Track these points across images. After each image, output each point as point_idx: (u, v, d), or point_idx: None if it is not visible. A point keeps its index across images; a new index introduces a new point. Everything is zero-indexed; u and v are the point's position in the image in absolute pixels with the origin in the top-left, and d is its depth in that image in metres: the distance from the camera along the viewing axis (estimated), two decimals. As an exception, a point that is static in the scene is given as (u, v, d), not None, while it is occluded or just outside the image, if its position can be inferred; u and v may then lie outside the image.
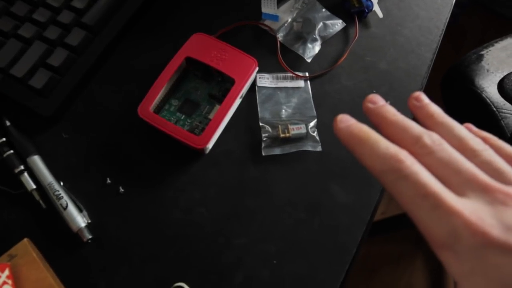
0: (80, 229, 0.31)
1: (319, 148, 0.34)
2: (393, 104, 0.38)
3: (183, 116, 0.35)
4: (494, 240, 0.17)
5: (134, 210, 0.33)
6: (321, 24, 0.39)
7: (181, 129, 0.33)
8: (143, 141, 0.35)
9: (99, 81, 0.37)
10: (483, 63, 0.60)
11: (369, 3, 0.39)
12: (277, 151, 0.34)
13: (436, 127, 0.20)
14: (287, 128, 0.34)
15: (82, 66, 0.35)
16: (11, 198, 0.33)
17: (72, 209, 0.32)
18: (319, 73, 0.38)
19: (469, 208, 0.18)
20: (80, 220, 0.32)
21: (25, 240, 0.30)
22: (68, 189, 0.33)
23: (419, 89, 0.39)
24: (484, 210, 0.18)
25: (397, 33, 0.41)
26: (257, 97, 0.36)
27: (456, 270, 0.18)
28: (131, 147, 0.35)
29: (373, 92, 0.38)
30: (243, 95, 0.36)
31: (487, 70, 0.59)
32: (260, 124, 0.35)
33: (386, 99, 0.40)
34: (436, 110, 0.21)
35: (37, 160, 0.33)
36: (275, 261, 0.31)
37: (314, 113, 0.36)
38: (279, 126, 0.34)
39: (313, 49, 0.38)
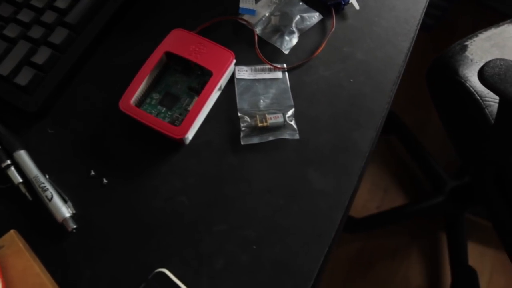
0: (65, 219, 0.32)
1: (296, 136, 0.35)
2: (370, 91, 0.39)
3: (164, 109, 0.36)
4: None
5: (117, 200, 0.34)
6: (298, 17, 0.40)
7: (161, 120, 0.34)
8: (126, 134, 0.36)
9: (82, 77, 0.38)
10: (467, 53, 0.60)
11: (345, -5, 0.40)
12: (255, 140, 0.35)
13: None
14: (265, 118, 0.35)
15: (65, 63, 0.36)
16: (-1, 192, 0.34)
17: (57, 200, 0.33)
18: (296, 64, 0.39)
19: None
20: (64, 210, 0.33)
21: (12, 231, 0.31)
22: (53, 181, 0.34)
23: (397, 77, 0.40)
24: None
25: (374, 24, 0.42)
26: (236, 88, 0.37)
27: None
28: (114, 140, 0.36)
29: (350, 82, 0.39)
30: (222, 87, 0.37)
31: (471, 60, 0.60)
32: (239, 114, 0.36)
33: (364, 88, 0.41)
34: None
35: (23, 155, 0.34)
36: (254, 247, 0.32)
37: (292, 102, 0.37)
38: (257, 115, 0.35)
39: (291, 41, 0.39)
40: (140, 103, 0.36)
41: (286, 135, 0.35)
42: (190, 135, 0.34)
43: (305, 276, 0.31)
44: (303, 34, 0.40)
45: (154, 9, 0.42)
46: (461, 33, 0.66)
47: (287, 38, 0.39)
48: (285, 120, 0.35)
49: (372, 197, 1.01)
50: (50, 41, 0.36)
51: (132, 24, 0.41)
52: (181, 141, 0.34)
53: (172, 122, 0.35)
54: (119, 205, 0.34)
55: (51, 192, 0.33)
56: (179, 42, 0.36)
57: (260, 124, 0.35)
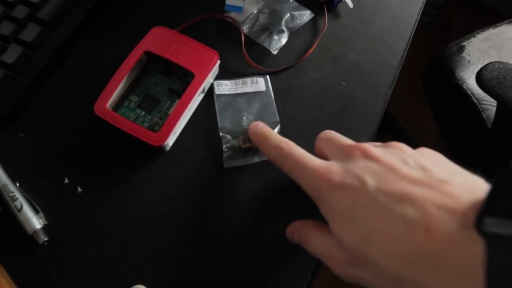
0: (35, 231, 0.30)
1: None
2: (363, 95, 0.37)
3: (143, 112, 0.34)
4: (335, 183, 0.24)
5: (92, 210, 0.32)
6: (288, 15, 0.37)
7: (138, 126, 0.31)
8: (102, 139, 0.34)
9: (57, 78, 0.36)
10: (464, 54, 0.59)
11: (338, -8, 0.38)
12: (239, 162, 0.32)
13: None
14: (249, 138, 0.32)
15: (37, 62, 0.34)
16: (-36, 201, 0.31)
17: (27, 210, 0.31)
18: (286, 66, 0.37)
19: (326, 166, 0.25)
20: (35, 221, 0.30)
21: (-23, 244, 0.29)
22: (24, 190, 0.32)
23: (391, 80, 0.38)
24: (338, 165, 0.25)
25: (368, 23, 0.40)
26: (216, 105, 0.34)
27: (322, 211, 0.25)
28: (90, 146, 0.33)
29: (343, 84, 0.37)
30: (206, 90, 0.35)
31: (468, 61, 0.58)
32: (220, 134, 0.33)
33: (357, 91, 0.39)
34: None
35: (-9, 161, 0.32)
36: (238, 262, 0.30)
37: (277, 118, 0.34)
38: (240, 136, 0.33)
39: (280, 41, 0.37)
40: (117, 106, 0.34)
41: None
42: (170, 141, 0.32)
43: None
44: (293, 33, 0.38)
45: (134, 6, 0.39)
46: (458, 31, 0.64)
47: (276, 37, 0.37)
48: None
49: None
50: (21, 39, 0.34)
51: (111, 22, 0.38)
52: (161, 147, 0.32)
53: (152, 127, 0.33)
54: (95, 216, 0.31)
55: (21, 202, 0.31)
56: (160, 41, 0.33)
57: (243, 145, 0.32)
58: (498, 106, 0.48)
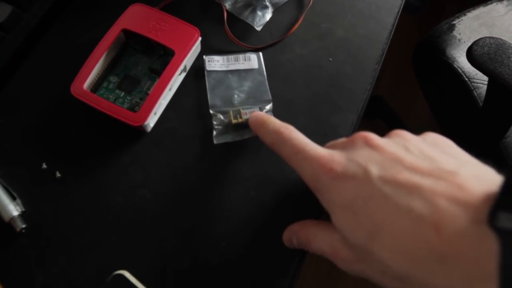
0: (12, 219, 0.29)
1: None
2: (351, 71, 0.36)
3: (123, 93, 0.32)
4: (338, 172, 0.23)
5: (72, 195, 0.30)
6: (271, -10, 0.36)
7: (117, 106, 0.30)
8: (80, 122, 0.32)
9: (33, 60, 0.34)
10: (454, 32, 0.58)
11: (322, -34, 0.37)
12: (228, 138, 0.31)
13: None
14: (239, 113, 0.31)
15: (10, 44, 0.32)
16: None
17: (3, 197, 0.29)
18: (270, 43, 0.35)
19: (328, 155, 0.24)
20: (12, 208, 0.29)
21: (-49, 233, 0.28)
22: (0, 176, 0.30)
23: (380, 56, 0.37)
24: (340, 154, 0.24)
25: (355, -2, 0.39)
26: (207, 82, 0.33)
27: (323, 204, 0.24)
28: (68, 130, 0.32)
29: (329, 61, 0.36)
30: (187, 69, 0.33)
31: (459, 40, 0.57)
32: (211, 112, 0.32)
33: (344, 68, 0.38)
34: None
35: (-36, 147, 0.31)
36: (224, 244, 0.29)
37: (269, 96, 0.33)
38: (231, 111, 0.32)
39: (264, 17, 0.36)
40: (96, 87, 0.32)
41: None
42: (151, 122, 0.31)
43: (280, 273, 0.29)
44: (277, 9, 0.37)
45: (113, -16, 0.38)
46: (449, 16, 0.63)
47: (259, 13, 0.35)
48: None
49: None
50: (-9, 19, 0.32)
51: (88, 1, 0.37)
52: (142, 128, 0.30)
53: (132, 108, 0.32)
54: (74, 201, 0.30)
55: (-4, 189, 0.30)
56: (138, 18, 0.32)
57: (234, 121, 0.31)
58: (489, 82, 0.47)
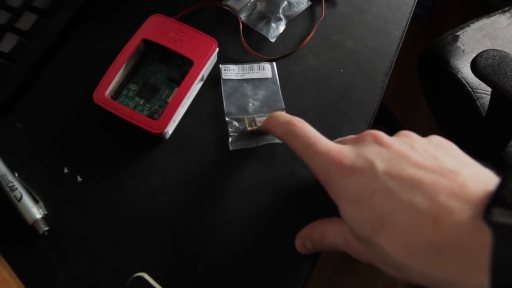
0: (35, 221, 0.30)
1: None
2: (361, 82, 0.37)
3: (142, 101, 0.33)
4: (346, 166, 0.24)
5: (92, 199, 0.31)
6: (285, 2, 0.37)
7: (138, 114, 0.31)
8: (101, 128, 0.33)
9: (54, 67, 0.35)
10: (458, 43, 0.59)
11: (334, -20, 0.38)
12: (244, 144, 0.33)
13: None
14: (254, 121, 0.33)
15: (34, 51, 0.34)
16: (-38, 192, 0.31)
17: (27, 200, 0.31)
18: (284, 54, 0.37)
19: (337, 149, 0.25)
20: (35, 211, 0.30)
21: (-23, 234, 0.29)
22: (23, 180, 0.32)
23: (388, 68, 0.38)
24: (349, 149, 0.25)
25: (365, 11, 0.40)
26: (223, 90, 0.34)
27: (332, 196, 0.25)
28: (89, 135, 0.33)
29: (340, 72, 0.37)
30: (204, 78, 0.35)
31: (463, 51, 0.59)
32: (227, 119, 0.33)
33: (354, 79, 0.39)
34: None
35: (-11, 151, 0.32)
36: (239, 248, 0.30)
37: (283, 105, 0.34)
38: (246, 119, 0.33)
39: (277, 28, 0.37)
40: (116, 94, 0.33)
41: (277, 140, 0.33)
42: (170, 129, 0.32)
43: (293, 276, 0.30)
44: (290, 21, 0.38)
45: (132, -6, 0.39)
46: (452, 24, 0.65)
47: (273, 25, 0.37)
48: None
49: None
50: (17, 27, 0.33)
51: (108, 10, 0.38)
52: (161, 135, 0.32)
53: (151, 115, 0.33)
54: (95, 205, 0.31)
55: (20, 192, 0.31)
56: (158, 29, 0.33)
57: (249, 128, 0.32)
58: (492, 94, 0.49)
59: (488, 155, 0.56)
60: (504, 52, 0.46)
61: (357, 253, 0.25)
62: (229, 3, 0.38)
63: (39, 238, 0.30)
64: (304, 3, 0.38)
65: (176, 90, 0.32)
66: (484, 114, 0.54)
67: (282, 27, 0.37)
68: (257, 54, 0.36)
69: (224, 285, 0.29)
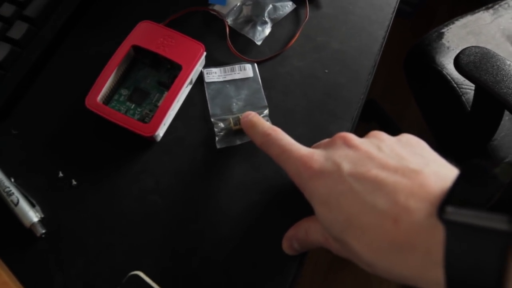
0: (33, 224, 0.31)
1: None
2: (346, 81, 0.38)
3: (133, 105, 0.34)
4: (316, 170, 0.25)
5: (87, 202, 0.32)
6: (270, 6, 0.39)
7: (129, 118, 0.32)
8: (94, 132, 0.34)
9: (47, 74, 0.36)
10: (443, 40, 0.61)
11: (318, -17, 0.39)
12: (230, 142, 0.34)
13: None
14: (239, 120, 0.34)
15: (27, 60, 0.34)
16: (-40, 198, 0.32)
17: (23, 204, 0.31)
18: (270, 56, 0.38)
19: (308, 154, 0.26)
20: (32, 215, 0.31)
21: (-24, 238, 0.30)
22: (19, 185, 0.33)
23: (372, 66, 0.39)
24: (320, 153, 0.26)
25: (349, 12, 0.41)
26: (206, 93, 0.35)
27: (307, 198, 0.26)
28: (82, 140, 0.34)
29: (325, 72, 0.38)
30: (193, 81, 0.36)
31: (448, 48, 0.60)
32: (212, 120, 0.34)
33: (339, 78, 0.40)
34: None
35: (-15, 158, 0.33)
36: (230, 245, 0.32)
37: (265, 102, 0.36)
38: (230, 119, 0.34)
39: (263, 31, 0.38)
40: (108, 99, 0.34)
41: None
42: (161, 132, 0.33)
43: (283, 272, 0.31)
44: (276, 24, 0.39)
45: (121, 1, 0.40)
46: (440, 20, 0.66)
47: (259, 28, 0.38)
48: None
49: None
50: (9, 36, 0.34)
51: (98, 17, 0.39)
52: (152, 138, 0.33)
53: (142, 119, 0.34)
54: (90, 207, 0.32)
55: (17, 196, 0.32)
56: (147, 34, 0.34)
57: (235, 127, 0.34)
58: (475, 89, 0.50)
59: (473, 149, 0.57)
60: (486, 49, 0.48)
61: (335, 250, 0.26)
62: (215, 7, 0.39)
63: (37, 240, 0.31)
64: (289, 6, 0.39)
65: (166, 94, 0.33)
66: (469, 109, 0.55)
67: (268, 30, 0.38)
68: (244, 57, 0.37)
69: (216, 280, 0.31)
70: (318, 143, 0.30)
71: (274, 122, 0.35)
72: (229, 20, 0.38)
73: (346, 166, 0.24)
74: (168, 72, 0.36)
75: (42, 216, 0.32)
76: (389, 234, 0.21)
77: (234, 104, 0.35)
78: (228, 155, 0.34)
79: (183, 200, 0.33)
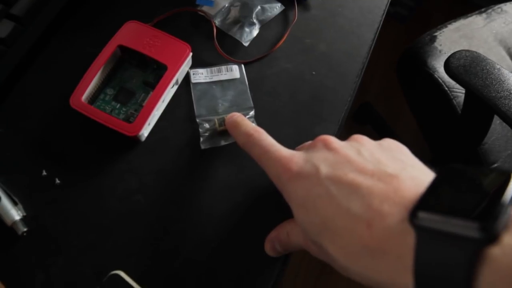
0: (14, 223, 0.31)
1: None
2: (333, 84, 0.38)
3: (119, 105, 0.34)
4: (294, 172, 0.25)
5: (70, 200, 0.32)
6: (258, 7, 0.39)
7: (114, 117, 0.32)
8: (78, 132, 0.34)
9: (33, 73, 0.36)
10: (436, 44, 0.61)
11: (307, -15, 0.40)
12: (215, 143, 0.34)
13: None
14: (224, 121, 0.34)
15: (12, 58, 0.34)
16: None
17: (5, 202, 0.31)
18: (257, 57, 0.38)
19: (288, 155, 0.26)
20: (14, 213, 0.31)
21: (-43, 236, 0.30)
22: (2, 183, 0.32)
23: (360, 69, 0.39)
24: (300, 155, 0.26)
25: (338, 14, 0.41)
26: (192, 94, 0.35)
27: (286, 200, 0.26)
28: (67, 138, 0.34)
29: (313, 74, 0.38)
30: (179, 82, 0.36)
31: (440, 51, 0.60)
32: (197, 120, 0.34)
33: (326, 81, 0.40)
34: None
35: (-32, 156, 0.33)
36: (213, 245, 0.32)
37: (251, 104, 0.36)
38: (216, 119, 0.34)
39: (251, 33, 0.38)
40: (93, 99, 0.34)
41: None
42: (145, 131, 0.33)
43: (265, 274, 0.31)
44: (264, 25, 0.39)
45: (108, 1, 0.40)
46: (436, 24, 0.66)
47: (247, 29, 0.38)
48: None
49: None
50: (-5, 35, 0.34)
51: (85, 17, 0.39)
52: (136, 138, 0.33)
53: (127, 119, 0.34)
54: (73, 206, 0.32)
55: (-1, 194, 0.32)
56: (133, 35, 0.34)
57: (219, 128, 0.34)
58: (466, 93, 0.50)
59: (464, 152, 0.57)
60: (476, 52, 0.48)
61: (313, 252, 0.26)
62: (203, 8, 0.39)
63: (18, 239, 0.31)
64: (277, 7, 0.40)
65: (151, 94, 0.33)
66: (460, 112, 0.55)
67: (255, 31, 0.38)
68: (231, 58, 0.37)
69: (198, 280, 0.31)
70: (301, 145, 0.30)
71: (259, 124, 0.35)
72: (217, 21, 0.38)
73: (324, 169, 0.24)
74: (154, 72, 0.36)
75: (24, 214, 0.32)
76: (362, 238, 0.21)
77: (220, 105, 0.35)
78: (213, 156, 0.34)
79: (167, 200, 0.33)
